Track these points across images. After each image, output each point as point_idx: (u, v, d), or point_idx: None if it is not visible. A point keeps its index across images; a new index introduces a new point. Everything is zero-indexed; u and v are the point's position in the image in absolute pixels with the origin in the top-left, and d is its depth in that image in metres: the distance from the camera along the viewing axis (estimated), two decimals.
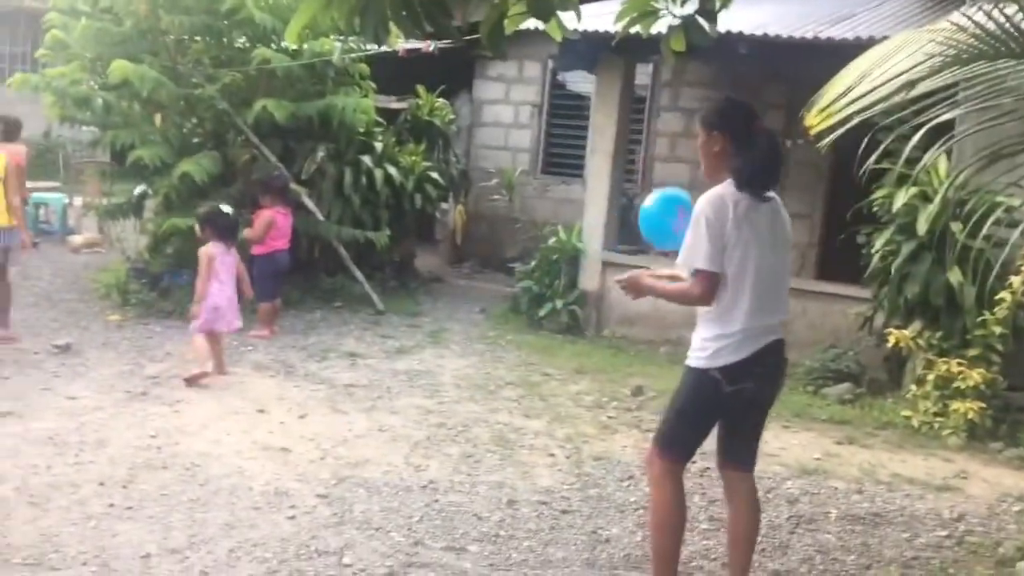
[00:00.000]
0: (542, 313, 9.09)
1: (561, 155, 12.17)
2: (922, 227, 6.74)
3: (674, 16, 3.58)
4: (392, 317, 9.09)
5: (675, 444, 3.71)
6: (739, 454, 3.77)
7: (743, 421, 3.72)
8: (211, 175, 8.50)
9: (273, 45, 8.84)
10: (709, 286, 3.50)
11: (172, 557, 3.96)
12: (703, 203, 3.55)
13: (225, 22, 8.84)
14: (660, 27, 3.76)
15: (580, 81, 11.83)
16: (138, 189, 9.35)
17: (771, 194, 3.62)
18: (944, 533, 4.80)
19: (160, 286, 8.80)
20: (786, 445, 6.11)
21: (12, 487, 4.55)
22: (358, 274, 9.37)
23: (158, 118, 8.98)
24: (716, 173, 3.63)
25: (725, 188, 3.54)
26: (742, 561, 3.73)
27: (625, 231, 10.24)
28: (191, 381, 6.40)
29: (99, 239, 11.42)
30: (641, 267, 8.26)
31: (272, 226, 8.08)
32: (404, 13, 2.56)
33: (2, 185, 7.02)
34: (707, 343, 3.56)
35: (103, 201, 9.62)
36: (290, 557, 4.04)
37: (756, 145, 3.51)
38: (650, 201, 4.21)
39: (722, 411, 3.65)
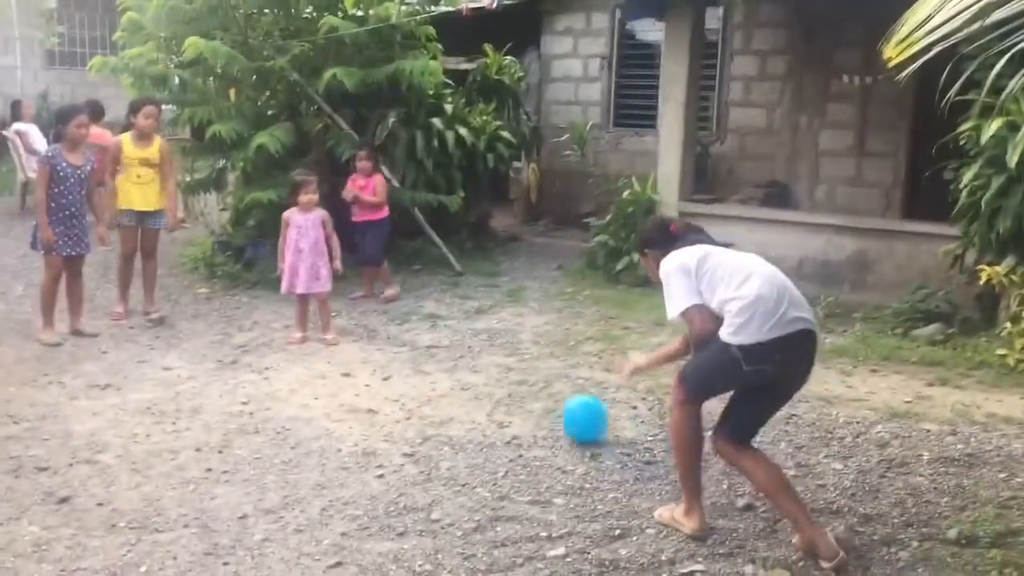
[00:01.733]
0: (619, 267, 9.03)
1: (633, 106, 11.99)
2: (1012, 159, 6.45)
3: None
4: (470, 278, 9.15)
5: (698, 390, 3.96)
6: (745, 434, 3.95)
7: (765, 402, 3.94)
8: (286, 146, 8.63)
9: (340, 13, 8.88)
10: (699, 317, 3.80)
11: (268, 517, 4.10)
12: (664, 265, 3.95)
13: None
14: None
15: (649, 29, 11.61)
16: (218, 164, 9.55)
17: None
18: None
19: (244, 258, 9.02)
20: (874, 389, 5.99)
21: (115, 455, 4.76)
22: (435, 237, 9.44)
23: (232, 93, 9.14)
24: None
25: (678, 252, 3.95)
26: (796, 505, 3.87)
27: (701, 180, 10.09)
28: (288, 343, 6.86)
29: (184, 214, 11.72)
30: (718, 215, 8.16)
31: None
32: None
33: (158, 171, 7.38)
34: (730, 318, 3.74)
35: (186, 177, 9.85)
36: (380, 514, 4.14)
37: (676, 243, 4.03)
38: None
39: (737, 385, 3.88)
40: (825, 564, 3.65)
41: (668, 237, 4.13)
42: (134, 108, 7.44)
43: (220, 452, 4.83)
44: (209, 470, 4.60)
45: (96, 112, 11.63)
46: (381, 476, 4.55)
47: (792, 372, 3.82)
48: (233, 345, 6.82)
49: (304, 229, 6.97)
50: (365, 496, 4.32)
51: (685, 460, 4.02)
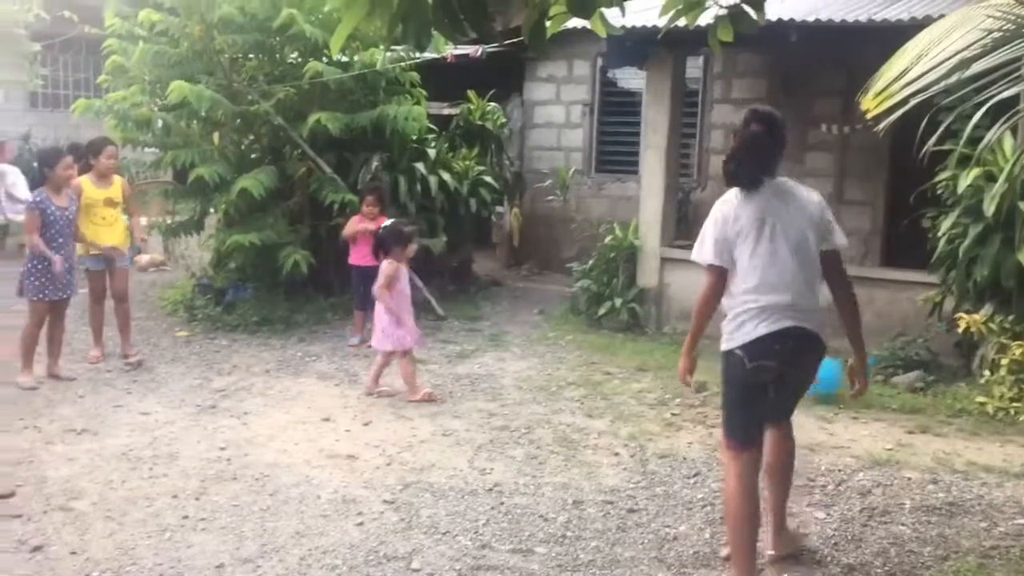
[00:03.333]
0: (601, 312, 9.05)
1: (614, 153, 12.11)
2: (989, 208, 6.55)
3: (720, 6, 3.53)
4: (452, 322, 9.14)
5: (730, 427, 3.95)
6: (772, 417, 4.05)
7: (777, 397, 3.95)
8: (269, 190, 8.64)
9: (325, 59, 8.95)
10: (714, 278, 3.94)
11: (245, 566, 4.04)
12: (715, 206, 3.99)
13: (277, 39, 8.99)
14: (707, 18, 3.71)
15: (630, 77, 11.76)
16: (200, 207, 9.54)
17: (767, 179, 3.93)
18: (1023, 521, 4.67)
19: (225, 301, 8.97)
20: (856, 436, 6.00)
21: (90, 502, 4.68)
22: (417, 281, 9.41)
23: (216, 136, 9.17)
24: None
25: (730, 192, 3.96)
26: (777, 494, 4.14)
27: (682, 226, 10.16)
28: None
29: (164, 257, 11.69)
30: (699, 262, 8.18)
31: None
32: (445, 19, 2.57)
33: (120, 211, 7.39)
34: (728, 327, 3.93)
35: (167, 220, 9.83)
36: (359, 563, 4.08)
37: (735, 144, 3.94)
38: None
39: (754, 387, 3.88)
40: None
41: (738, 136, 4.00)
42: (94, 149, 7.40)
43: (197, 499, 4.76)
44: (186, 517, 4.53)
45: (80, 154, 11.65)
46: (361, 524, 4.50)
47: (792, 368, 3.90)
48: (212, 389, 6.76)
49: (405, 282, 6.79)
50: (344, 544, 4.26)
51: (735, 538, 3.83)
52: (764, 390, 3.86)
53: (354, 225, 8.13)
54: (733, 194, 3.93)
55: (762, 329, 3.79)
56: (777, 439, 4.12)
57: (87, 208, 7.24)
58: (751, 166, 3.89)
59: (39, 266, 6.74)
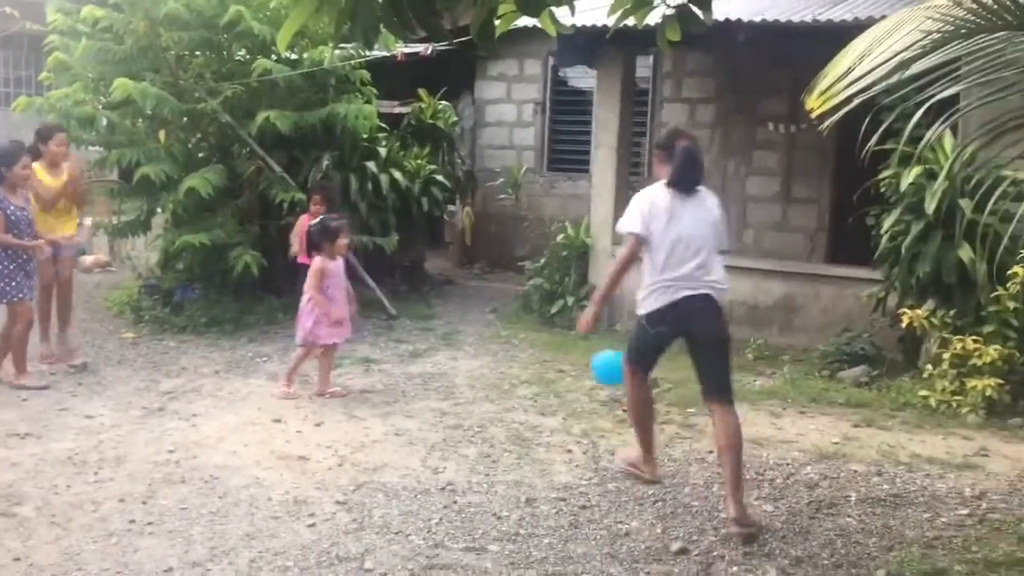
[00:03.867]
0: (554, 310, 9.08)
1: (566, 151, 12.16)
2: (930, 205, 6.70)
3: (668, 6, 3.56)
4: (405, 321, 9.11)
5: (632, 356, 5.03)
6: (710, 390, 4.76)
7: (700, 359, 4.81)
8: (217, 189, 8.53)
9: (273, 56, 8.85)
10: (633, 244, 4.79)
11: (194, 570, 3.99)
12: (643, 193, 4.90)
13: (224, 36, 8.87)
14: (655, 17, 3.74)
15: (581, 76, 11.82)
16: (147, 206, 9.39)
17: (698, 188, 4.86)
18: (966, 511, 4.78)
19: (172, 302, 8.83)
20: (803, 431, 6.09)
21: (33, 507, 4.59)
22: (369, 280, 9.38)
23: (162, 134, 9.01)
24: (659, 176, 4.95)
25: (656, 186, 4.88)
26: (730, 470, 4.55)
27: None
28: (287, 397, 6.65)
29: (110, 258, 11.48)
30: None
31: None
32: (393, 16, 2.56)
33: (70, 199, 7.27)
34: (638, 296, 4.85)
35: (112, 220, 9.66)
36: (311, 564, 4.05)
37: (675, 158, 4.80)
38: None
39: (655, 347, 4.93)
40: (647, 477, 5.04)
41: (671, 149, 4.88)
42: (44, 136, 7.26)
43: (144, 503, 4.69)
44: (133, 521, 4.46)
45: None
46: (312, 525, 4.46)
47: (694, 328, 4.76)
48: (160, 392, 6.65)
49: (338, 277, 6.75)
50: (296, 546, 4.23)
51: (638, 419, 5.10)
52: (660, 349, 4.94)
53: (302, 224, 8.05)
54: (660, 188, 4.82)
55: (660, 302, 4.71)
56: (722, 417, 4.66)
57: (37, 195, 7.06)
58: (696, 175, 4.86)
59: (11, 267, 6.60)
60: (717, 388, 4.72)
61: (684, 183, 4.78)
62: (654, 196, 4.79)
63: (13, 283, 6.61)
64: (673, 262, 4.68)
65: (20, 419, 5.94)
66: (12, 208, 6.63)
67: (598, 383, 6.47)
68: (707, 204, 4.86)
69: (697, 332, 4.76)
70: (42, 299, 7.35)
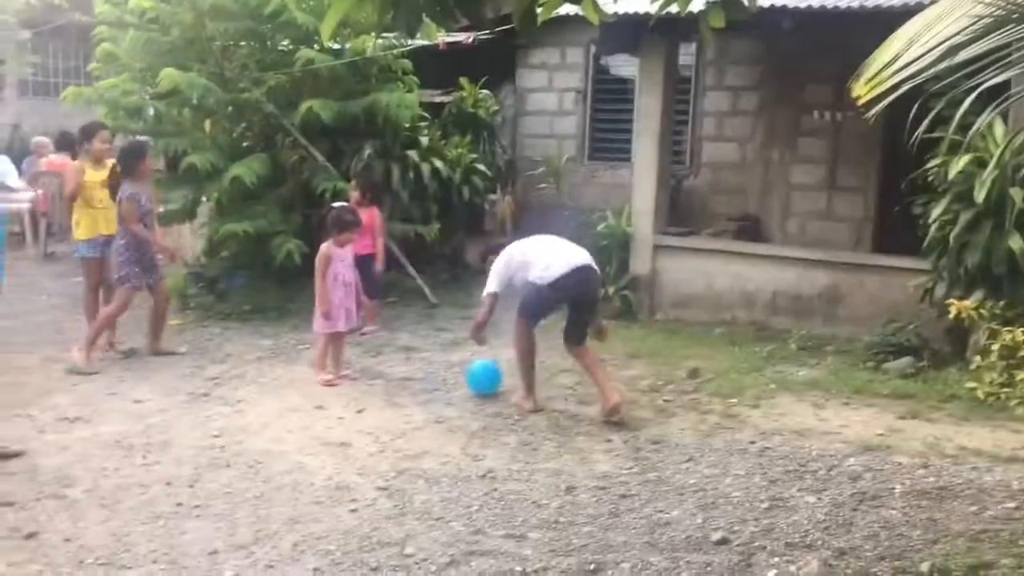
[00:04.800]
0: None
1: (607, 140, 12.09)
2: (979, 194, 6.57)
3: None
4: (445, 310, 9.14)
5: (528, 318, 6.29)
6: (571, 336, 6.25)
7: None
8: (261, 177, 8.62)
9: (316, 46, 8.92)
10: (488, 304, 6.31)
11: (238, 553, 4.05)
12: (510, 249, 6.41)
13: (268, 26, 8.96)
14: (699, 4, 3.71)
15: (623, 64, 11.73)
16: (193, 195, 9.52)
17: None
18: (1013, 505, 4.70)
19: (217, 289, 8.96)
20: (847, 422, 6.03)
21: (83, 490, 4.69)
22: (410, 269, 9.44)
23: (208, 124, 9.14)
24: None
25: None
26: (600, 378, 6.08)
27: (675, 213, 10.17)
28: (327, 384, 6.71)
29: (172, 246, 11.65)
30: (692, 248, 8.37)
31: None
32: (436, 6, 2.57)
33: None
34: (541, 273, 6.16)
35: (159, 208, 9.80)
36: (353, 549, 4.10)
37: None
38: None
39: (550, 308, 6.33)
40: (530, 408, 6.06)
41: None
42: (88, 134, 7.42)
43: (191, 486, 4.77)
44: (179, 505, 4.54)
45: (69, 143, 11.60)
46: (354, 510, 4.51)
47: (582, 293, 6.16)
48: (205, 377, 6.76)
49: (346, 264, 6.92)
50: (338, 531, 4.28)
51: (525, 361, 6.23)
52: (552, 309, 6.32)
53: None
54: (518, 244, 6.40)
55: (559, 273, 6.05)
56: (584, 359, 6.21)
57: (86, 192, 7.24)
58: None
59: (134, 255, 7.06)
60: (579, 335, 6.26)
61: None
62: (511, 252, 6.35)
63: (136, 269, 7.08)
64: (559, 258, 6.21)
65: (70, 403, 6.07)
66: (144, 200, 7.07)
67: (474, 391, 6.52)
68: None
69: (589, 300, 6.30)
70: (91, 300, 7.49)
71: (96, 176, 7.26)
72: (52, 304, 8.98)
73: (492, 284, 6.25)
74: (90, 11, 9.37)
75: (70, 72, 17.11)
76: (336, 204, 7.31)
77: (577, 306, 6.22)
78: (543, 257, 6.15)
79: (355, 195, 8.11)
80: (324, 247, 6.83)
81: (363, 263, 7.75)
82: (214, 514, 4.44)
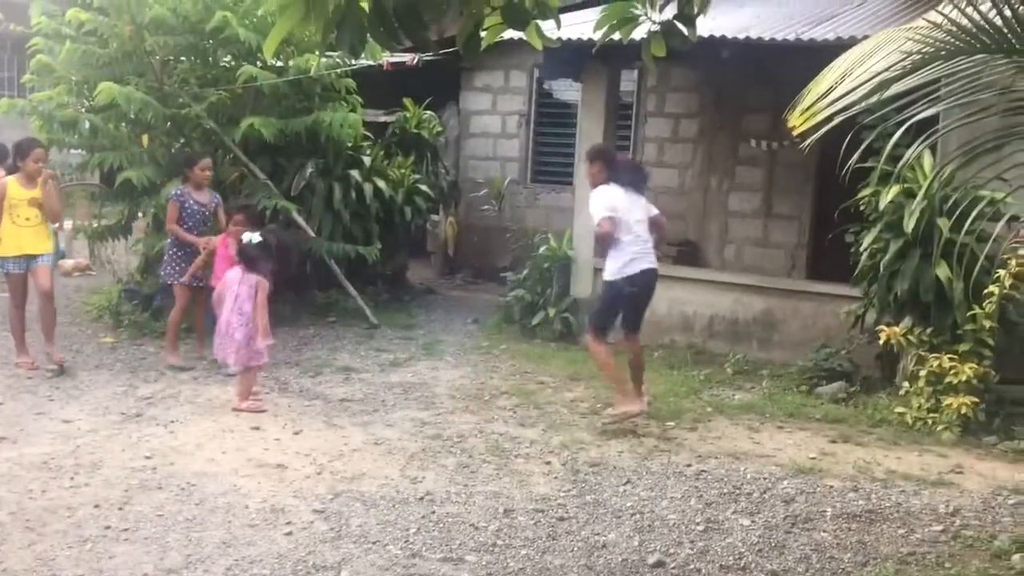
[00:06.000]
0: (535, 321, 9.10)
1: (550, 163, 12.20)
2: (908, 224, 6.76)
3: (653, 22, 3.59)
4: (386, 330, 9.10)
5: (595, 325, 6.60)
6: (631, 324, 6.62)
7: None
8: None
9: (259, 63, 8.85)
10: (609, 225, 6.32)
11: None
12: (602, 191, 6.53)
13: (210, 41, 8.86)
14: (641, 33, 3.77)
15: (566, 89, 11.88)
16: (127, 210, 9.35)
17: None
18: (940, 528, 4.82)
19: (152, 307, 8.79)
20: (781, 445, 6.13)
21: (7, 512, 4.55)
22: (350, 289, 9.37)
23: (145, 139, 8.99)
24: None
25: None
26: (636, 378, 6.56)
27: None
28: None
29: (90, 262, 11.42)
30: None
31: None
32: (380, 26, 2.58)
33: (43, 212, 7.22)
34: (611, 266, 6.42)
35: (93, 224, 9.61)
36: (288, 573, 4.04)
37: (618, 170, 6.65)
38: None
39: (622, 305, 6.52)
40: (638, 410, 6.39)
41: (611, 164, 6.69)
42: (22, 151, 7.22)
43: (120, 509, 4.66)
44: (108, 528, 4.43)
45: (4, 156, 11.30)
46: (290, 533, 4.45)
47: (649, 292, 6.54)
48: (138, 397, 6.62)
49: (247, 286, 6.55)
50: (272, 554, 4.21)
51: (611, 372, 6.52)
52: (622, 307, 6.53)
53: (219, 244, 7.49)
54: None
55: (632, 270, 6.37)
56: (634, 342, 6.59)
57: (10, 208, 7.08)
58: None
59: (179, 253, 7.51)
60: (636, 325, 6.66)
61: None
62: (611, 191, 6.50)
63: (182, 266, 7.45)
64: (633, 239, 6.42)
65: None
66: (191, 202, 7.49)
67: None
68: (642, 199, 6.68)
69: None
70: (15, 314, 7.30)
71: (25, 194, 7.11)
72: None
73: (604, 211, 6.39)
74: (26, 22, 9.15)
75: (3, 83, 16.71)
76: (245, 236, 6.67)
77: (641, 301, 6.55)
78: (627, 249, 6.37)
79: (236, 228, 7.25)
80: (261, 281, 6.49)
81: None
82: (144, 537, 4.35)
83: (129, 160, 8.64)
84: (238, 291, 6.43)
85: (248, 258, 6.49)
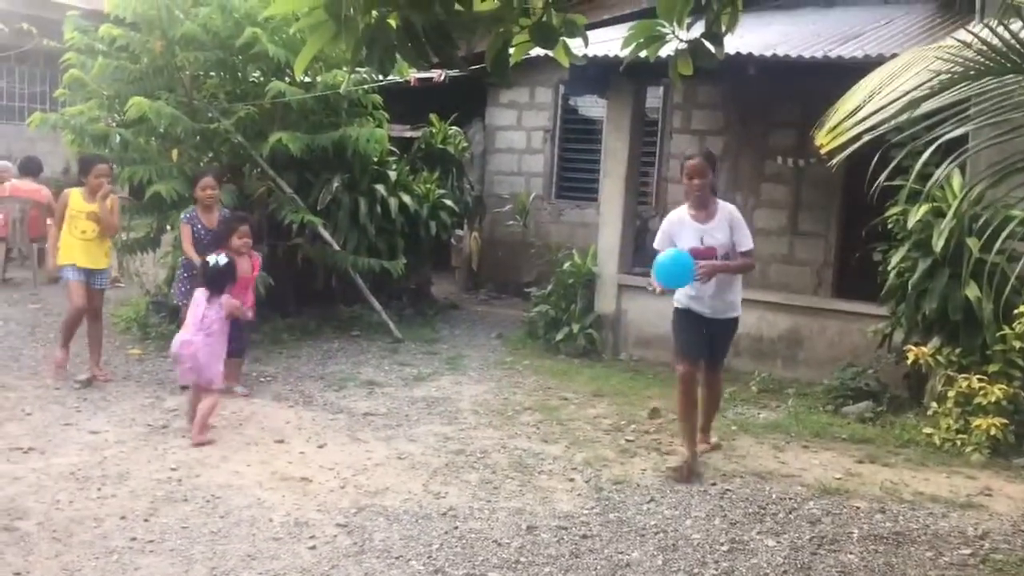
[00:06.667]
0: (559, 337, 9.10)
1: (574, 179, 12.21)
2: (938, 243, 6.71)
3: (680, 40, 3.60)
4: (410, 345, 9.12)
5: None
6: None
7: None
8: (227, 207, 8.56)
9: (287, 78, 8.93)
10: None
11: None
12: (737, 211, 5.96)
13: (239, 57, 8.96)
14: (668, 51, 3.78)
15: (591, 105, 11.91)
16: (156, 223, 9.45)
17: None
18: (968, 551, 4.75)
19: (179, 319, 8.83)
20: (806, 465, 6.08)
21: (35, 522, 4.59)
22: (375, 303, 9.41)
23: (175, 153, 9.09)
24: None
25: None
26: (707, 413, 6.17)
27: (640, 253, 10.25)
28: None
29: (119, 274, 11.53)
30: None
31: None
32: (410, 44, 2.60)
33: (103, 228, 7.31)
34: (739, 298, 5.99)
35: (122, 236, 9.71)
36: None
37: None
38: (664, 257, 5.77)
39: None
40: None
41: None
42: (85, 167, 7.40)
43: (146, 520, 4.69)
44: (134, 539, 4.46)
45: (33, 168, 11.47)
46: (313, 547, 4.46)
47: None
48: (164, 409, 6.67)
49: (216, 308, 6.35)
50: (296, 568, 4.22)
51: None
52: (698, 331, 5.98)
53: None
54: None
55: None
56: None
57: (70, 219, 7.24)
58: None
59: (189, 275, 7.29)
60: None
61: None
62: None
63: (188, 288, 7.05)
64: None
65: (23, 433, 5.95)
66: (200, 226, 7.28)
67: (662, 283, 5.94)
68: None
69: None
70: (74, 320, 7.33)
71: (84, 207, 7.26)
72: (7, 331, 8.82)
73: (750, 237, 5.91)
74: (59, 37, 9.30)
75: (36, 97, 16.95)
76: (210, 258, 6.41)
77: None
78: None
79: (242, 241, 6.95)
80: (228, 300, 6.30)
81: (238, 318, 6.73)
82: (169, 549, 4.37)
83: (158, 174, 8.72)
84: (205, 313, 6.19)
85: (212, 281, 6.28)
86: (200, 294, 6.31)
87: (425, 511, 4.97)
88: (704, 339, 5.92)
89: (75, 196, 7.33)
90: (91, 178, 7.30)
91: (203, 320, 6.21)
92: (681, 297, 5.92)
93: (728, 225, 5.80)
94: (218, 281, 6.32)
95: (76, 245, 7.25)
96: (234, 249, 6.76)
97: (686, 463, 5.68)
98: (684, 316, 5.94)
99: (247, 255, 6.99)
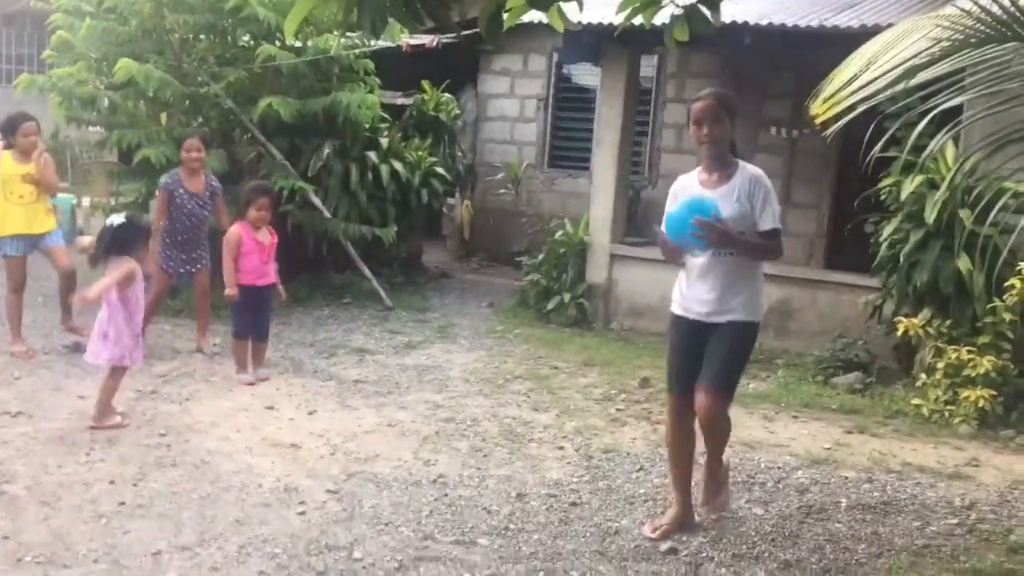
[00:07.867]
0: (550, 307, 9.09)
1: (567, 148, 12.15)
2: (930, 215, 6.71)
3: (677, 6, 3.55)
4: (400, 312, 9.11)
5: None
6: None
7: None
8: (217, 173, 8.49)
9: (278, 42, 8.84)
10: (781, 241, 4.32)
11: (182, 554, 3.98)
12: (766, 178, 4.34)
13: (229, 20, 8.85)
14: (663, 17, 3.73)
15: (585, 74, 11.82)
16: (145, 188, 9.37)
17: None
18: (955, 521, 4.79)
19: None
20: (796, 435, 6.10)
21: (23, 486, 4.58)
22: (366, 270, 9.38)
23: (164, 117, 9.00)
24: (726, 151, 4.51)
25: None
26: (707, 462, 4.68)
27: (632, 223, 10.23)
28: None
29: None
30: (648, 259, 8.27)
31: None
32: (402, 7, 2.56)
33: (41, 190, 6.98)
34: (759, 299, 4.34)
35: (111, 201, 9.63)
36: (300, 552, 4.05)
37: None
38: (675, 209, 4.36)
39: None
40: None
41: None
42: (12, 126, 6.91)
43: (135, 485, 4.68)
44: (122, 503, 4.45)
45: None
46: (303, 513, 4.46)
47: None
48: (153, 374, 6.64)
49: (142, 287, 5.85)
50: (285, 534, 4.22)
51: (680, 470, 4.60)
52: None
53: (235, 239, 6.62)
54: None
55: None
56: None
57: (3, 184, 6.85)
58: None
59: (168, 241, 7.19)
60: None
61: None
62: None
63: (169, 253, 7.19)
64: None
65: (12, 398, 5.92)
66: (182, 191, 7.12)
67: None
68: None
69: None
70: (13, 301, 7.03)
71: (18, 169, 6.87)
72: None
73: (778, 215, 4.32)
74: None
75: (23, 59, 16.76)
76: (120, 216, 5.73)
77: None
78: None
79: (261, 213, 6.64)
80: (127, 264, 5.55)
81: (263, 295, 6.74)
82: (158, 514, 4.36)
83: (147, 138, 8.65)
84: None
85: (120, 241, 5.54)
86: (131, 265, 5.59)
87: (415, 478, 4.97)
88: (699, 358, 4.30)
89: (5, 160, 6.89)
90: (19, 138, 6.86)
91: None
92: (676, 295, 4.44)
93: (746, 195, 4.23)
94: (112, 246, 5.53)
95: (15, 212, 6.88)
96: (251, 221, 6.59)
97: (672, 521, 4.41)
98: (676, 328, 4.42)
99: (265, 229, 6.71)
